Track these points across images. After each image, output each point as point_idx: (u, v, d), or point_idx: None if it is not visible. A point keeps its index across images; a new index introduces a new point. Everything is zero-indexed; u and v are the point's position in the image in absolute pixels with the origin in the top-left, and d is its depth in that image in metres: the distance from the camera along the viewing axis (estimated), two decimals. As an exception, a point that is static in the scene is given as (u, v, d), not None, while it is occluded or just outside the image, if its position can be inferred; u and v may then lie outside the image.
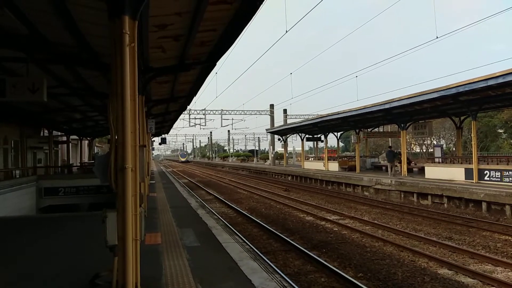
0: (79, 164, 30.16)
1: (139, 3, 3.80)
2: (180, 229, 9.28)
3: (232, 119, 51.90)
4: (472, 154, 18.39)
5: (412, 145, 48.20)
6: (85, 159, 34.33)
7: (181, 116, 33.53)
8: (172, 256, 6.74)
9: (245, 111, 50.05)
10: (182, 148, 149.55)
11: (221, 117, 48.98)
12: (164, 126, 26.78)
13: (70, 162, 28.63)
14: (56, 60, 8.19)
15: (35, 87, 7.53)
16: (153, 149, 54.45)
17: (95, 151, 39.56)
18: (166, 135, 35.84)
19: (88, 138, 33.51)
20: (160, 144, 40.32)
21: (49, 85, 8.25)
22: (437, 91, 16.74)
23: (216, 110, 48.41)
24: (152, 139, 35.87)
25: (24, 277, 5.77)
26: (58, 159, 30.16)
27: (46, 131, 23.65)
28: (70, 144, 28.89)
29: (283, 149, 49.59)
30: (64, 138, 27.70)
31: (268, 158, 55.28)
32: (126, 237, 3.76)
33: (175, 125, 31.60)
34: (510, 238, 10.81)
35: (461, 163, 19.67)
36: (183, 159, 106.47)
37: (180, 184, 25.91)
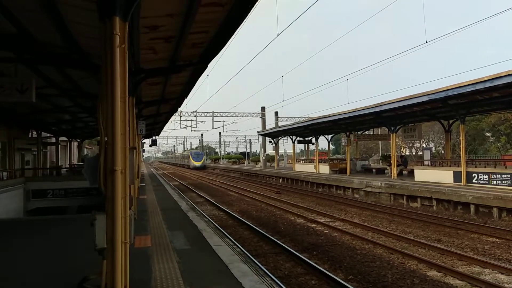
0: (68, 166, 29.80)
1: (130, 4, 3.77)
2: (171, 231, 9.22)
3: (224, 121, 51.74)
4: (460, 157, 18.62)
5: (402, 148, 48.60)
6: (74, 161, 33.96)
7: (172, 118, 33.46)
8: (162, 259, 6.69)
9: (237, 113, 50.01)
10: (172, 150, 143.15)
11: (213, 119, 48.87)
12: (154, 128, 26.62)
13: (59, 164, 28.27)
14: (46, 60, 8.10)
15: (23, 88, 7.43)
16: (143, 151, 54.09)
17: (85, 153, 39.17)
18: (156, 137, 35.61)
19: (78, 140, 33.17)
20: (150, 146, 40.02)
21: (38, 85, 8.14)
22: (426, 95, 16.93)
23: (208, 112, 48.32)
24: (143, 141, 35.65)
25: (11, 281, 5.68)
26: (47, 161, 29.77)
27: (34, 132, 23.34)
28: (59, 145, 28.52)
29: (274, 151, 49.61)
30: (53, 140, 27.36)
31: (259, 161, 55.28)
32: (115, 240, 3.72)
33: (166, 127, 31.48)
34: (497, 240, 10.96)
35: (450, 166, 19.91)
36: (197, 164, 66.41)
37: (170, 186, 25.78)
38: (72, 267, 6.29)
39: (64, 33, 6.40)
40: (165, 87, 11.70)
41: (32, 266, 6.48)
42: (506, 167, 17.80)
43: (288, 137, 42.23)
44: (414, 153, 47.11)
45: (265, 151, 49.97)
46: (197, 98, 53.47)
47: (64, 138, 29.72)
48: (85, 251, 5.24)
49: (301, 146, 52.45)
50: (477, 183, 17.11)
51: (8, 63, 8.08)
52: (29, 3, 5.40)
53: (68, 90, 11.67)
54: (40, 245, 8.29)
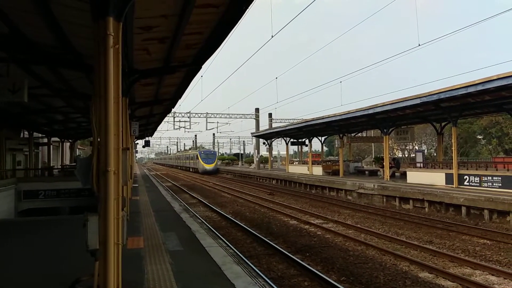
0: (60, 167, 29.55)
1: (124, 4, 3.76)
2: (163, 233, 9.19)
3: (217, 122, 51.67)
4: (452, 159, 18.78)
5: (395, 150, 48.92)
6: (67, 161, 33.69)
7: (166, 119, 33.32)
8: (155, 261, 6.67)
9: (230, 115, 49.99)
10: (166, 151, 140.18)
11: (206, 120, 48.81)
12: (148, 128, 26.49)
13: (51, 165, 28.03)
14: (39, 60, 8.03)
15: (15, 88, 7.37)
16: (136, 152, 53.78)
17: (77, 154, 38.88)
18: (150, 137, 35.42)
19: (70, 140, 32.91)
20: (143, 147, 39.84)
21: (30, 85, 8.07)
22: (419, 97, 17.07)
23: (201, 113, 48.24)
24: (136, 142, 35.47)
25: (1, 282, 5.62)
26: (39, 162, 29.50)
27: (26, 132, 23.12)
28: (51, 146, 28.28)
29: (268, 153, 49.69)
30: (45, 140, 27.13)
31: (253, 162, 55.29)
32: (108, 241, 3.70)
33: (159, 128, 31.35)
34: (488, 241, 11.07)
35: (442, 168, 20.08)
36: (208, 167, 53.23)
37: (163, 187, 25.67)
38: (64, 268, 6.25)
39: (57, 33, 6.36)
40: (158, 88, 11.66)
41: (23, 268, 6.42)
42: (497, 170, 17.98)
43: (282, 139, 42.31)
44: (406, 155, 47.43)
45: (258, 152, 50.02)
46: (191, 99, 53.70)
47: (56, 139, 29.48)
48: (77, 252, 5.21)
49: (295, 147, 52.62)
50: (469, 185, 17.27)
51: (0, 63, 8.01)
52: (22, 3, 5.37)
53: (61, 90, 11.59)
54: (32, 246, 8.22)
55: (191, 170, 62.01)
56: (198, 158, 55.39)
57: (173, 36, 6.73)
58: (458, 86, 14.93)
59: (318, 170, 31.55)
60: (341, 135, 29.46)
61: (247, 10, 5.68)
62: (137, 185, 25.07)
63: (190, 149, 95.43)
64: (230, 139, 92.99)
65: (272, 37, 18.21)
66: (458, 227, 13.06)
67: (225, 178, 46.24)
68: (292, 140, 38.51)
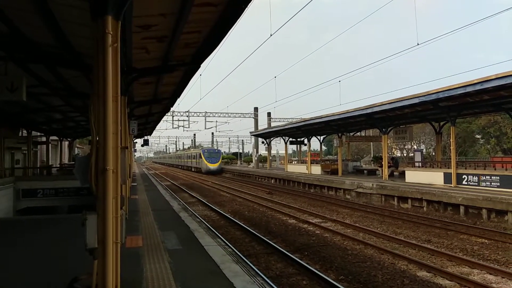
0: (58, 166, 29.52)
1: (123, 3, 3.76)
2: (162, 232, 9.20)
3: (216, 121, 51.59)
4: (451, 158, 18.80)
5: (393, 149, 48.98)
6: (65, 160, 33.66)
7: (164, 118, 33.31)
8: (154, 260, 6.68)
9: (229, 114, 49.93)
10: (165, 150, 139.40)
11: (205, 119, 48.72)
12: (146, 127, 26.48)
13: (50, 163, 28.00)
14: (37, 59, 8.01)
15: (14, 86, 7.37)
16: (135, 150, 53.71)
17: (76, 153, 38.83)
18: (148, 136, 35.40)
19: (69, 139, 32.89)
20: (142, 145, 39.86)
21: (28, 84, 8.06)
22: (417, 97, 17.09)
23: (200, 112, 48.17)
24: (134, 141, 35.45)
25: (1, 282, 5.62)
26: (37, 160, 29.46)
27: (24, 131, 23.10)
28: (50, 145, 28.24)
29: (266, 152, 49.68)
30: (44, 139, 27.10)
31: (251, 161, 55.27)
32: (107, 240, 3.71)
33: (158, 127, 31.33)
34: (486, 241, 11.10)
35: (440, 167, 20.11)
36: (212, 167, 51.14)
37: (162, 186, 25.67)
38: (63, 266, 6.25)
39: (56, 32, 6.35)
40: (157, 87, 11.65)
41: (21, 266, 6.42)
42: (495, 169, 18.02)
43: (281, 138, 42.30)
44: (405, 155, 47.49)
45: (257, 151, 49.99)
46: (189, 98, 53.27)
47: (55, 137, 29.45)
48: (76, 251, 5.21)
49: (294, 147, 52.63)
50: (467, 184, 17.30)
51: (-2, 61, 7.99)
52: (21, 2, 5.36)
53: (60, 89, 11.56)
54: (30, 245, 8.22)
55: (193, 169, 59.88)
56: (201, 157, 52.83)
57: (171, 35, 6.73)
58: (457, 86, 14.94)
59: (316, 169, 31.57)
60: (339, 134, 29.48)
61: (246, 8, 5.68)
62: (135, 184, 25.06)
63: (189, 147, 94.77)
64: (229, 138, 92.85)
65: (271, 35, 18.22)
66: (456, 226, 13.09)
67: (224, 177, 46.25)
68: (291, 139, 38.51)
